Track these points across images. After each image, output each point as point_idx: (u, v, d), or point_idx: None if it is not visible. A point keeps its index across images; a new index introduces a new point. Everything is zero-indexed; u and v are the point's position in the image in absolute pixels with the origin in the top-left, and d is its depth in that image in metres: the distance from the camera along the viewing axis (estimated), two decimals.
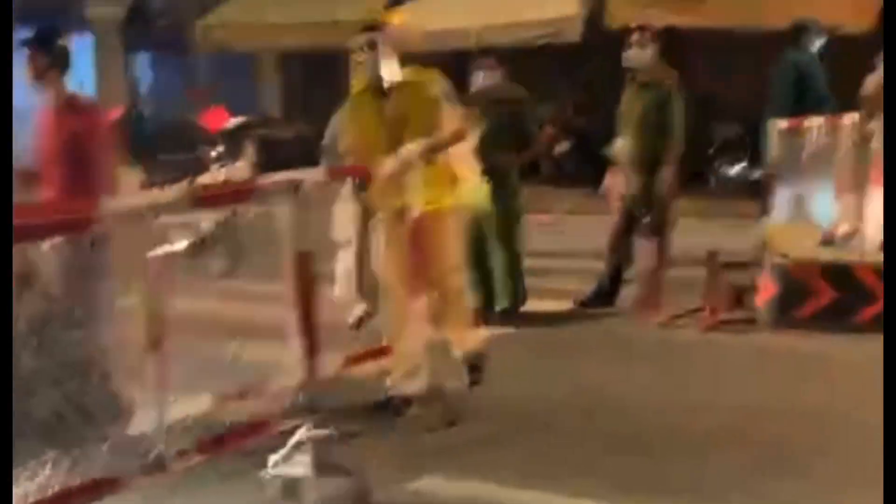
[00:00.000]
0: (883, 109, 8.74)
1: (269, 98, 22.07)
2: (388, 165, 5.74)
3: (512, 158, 8.54)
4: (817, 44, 9.88)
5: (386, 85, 6.02)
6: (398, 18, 6.29)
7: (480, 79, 8.58)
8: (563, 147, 16.95)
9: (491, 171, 8.43)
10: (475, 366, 6.37)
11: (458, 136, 6.08)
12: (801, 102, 9.46)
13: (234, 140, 18.71)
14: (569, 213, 14.26)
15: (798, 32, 9.91)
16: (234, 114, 20.98)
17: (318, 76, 18.23)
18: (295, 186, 4.77)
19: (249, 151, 18.50)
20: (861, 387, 6.57)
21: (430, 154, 5.94)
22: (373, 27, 6.09)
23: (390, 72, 6.00)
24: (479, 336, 6.48)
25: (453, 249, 6.22)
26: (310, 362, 4.83)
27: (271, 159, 12.32)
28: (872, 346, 7.19)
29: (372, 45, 5.97)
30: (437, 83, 6.07)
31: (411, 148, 5.86)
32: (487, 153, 8.45)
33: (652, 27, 8.84)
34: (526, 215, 8.87)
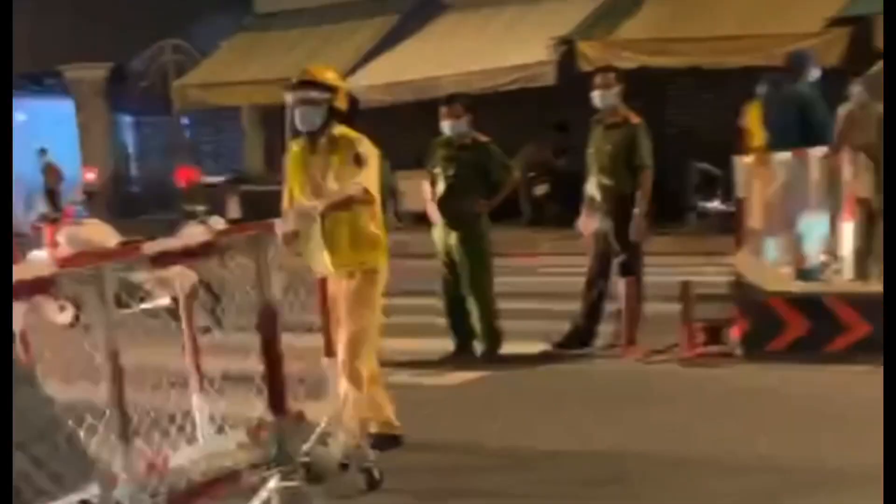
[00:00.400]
0: (852, 138, 8.88)
1: (253, 153, 22.27)
2: (284, 221, 5.50)
3: (480, 204, 8.64)
4: (815, 74, 9.95)
5: (321, 141, 6.00)
6: (329, 75, 6.22)
7: (447, 127, 8.67)
8: (542, 189, 17.10)
9: (459, 218, 8.59)
10: (382, 441, 6.17)
11: (354, 199, 5.91)
12: (805, 133, 9.50)
13: (217, 196, 18.88)
14: (549, 255, 14.37)
15: (796, 64, 9.95)
16: (220, 170, 21.14)
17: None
18: (255, 240, 4.82)
19: (233, 206, 18.68)
20: (831, 420, 6.61)
21: (329, 212, 5.82)
22: (305, 83, 6.01)
23: (317, 127, 5.97)
24: (384, 416, 6.25)
25: (356, 320, 5.99)
26: (276, 416, 4.86)
27: (254, 213, 12.43)
28: (844, 377, 7.31)
29: (303, 102, 5.95)
30: (362, 143, 6.00)
31: (310, 204, 5.79)
32: (455, 200, 8.61)
33: (615, 69, 8.96)
34: (495, 259, 8.91)
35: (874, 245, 8.72)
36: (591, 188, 8.75)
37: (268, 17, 20.48)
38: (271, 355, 4.91)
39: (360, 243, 6.03)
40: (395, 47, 18.04)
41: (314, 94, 5.93)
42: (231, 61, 19.84)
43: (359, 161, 5.91)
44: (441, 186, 8.68)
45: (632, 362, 8.25)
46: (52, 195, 21.84)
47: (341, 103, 6.04)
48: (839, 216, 9.27)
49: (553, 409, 7.30)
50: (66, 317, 10.70)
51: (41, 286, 4.08)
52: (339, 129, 6.04)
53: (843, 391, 7.13)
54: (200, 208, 16.70)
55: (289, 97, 6.02)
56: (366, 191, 5.91)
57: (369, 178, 5.96)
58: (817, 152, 9.41)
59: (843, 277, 8.70)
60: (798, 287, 8.30)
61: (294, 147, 6.19)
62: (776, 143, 9.55)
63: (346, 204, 5.90)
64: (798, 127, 9.50)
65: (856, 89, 10.86)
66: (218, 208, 16.27)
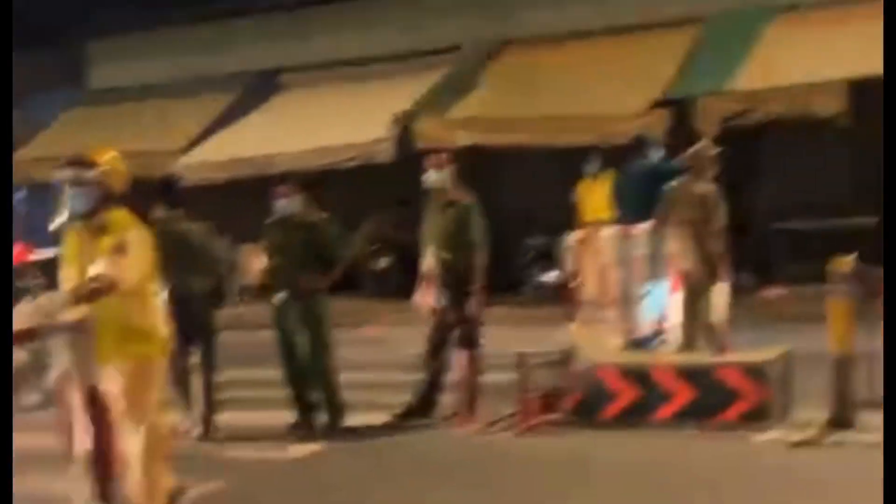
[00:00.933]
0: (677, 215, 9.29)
1: None
2: (19, 316, 5.17)
3: (316, 280, 8.74)
4: (658, 154, 10.53)
5: (93, 225, 5.72)
6: (104, 156, 5.86)
7: (281, 206, 8.80)
8: (385, 261, 17.28)
9: (297, 292, 8.68)
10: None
11: (100, 291, 5.52)
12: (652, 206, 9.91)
13: (53, 270, 18.40)
14: (393, 326, 14.51)
15: (641, 145, 10.57)
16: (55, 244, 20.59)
17: (136, 204, 18.22)
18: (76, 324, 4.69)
19: None
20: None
21: (76, 305, 5.51)
22: (77, 162, 5.74)
23: (85, 210, 5.72)
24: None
25: (135, 423, 5.64)
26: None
27: None
28: (669, 443, 7.62)
29: (72, 183, 5.68)
30: (130, 230, 5.73)
31: (53, 294, 5.58)
32: (292, 276, 8.70)
33: (447, 149, 9.27)
34: (338, 330, 9.03)
35: (698, 316, 9.15)
36: (429, 263, 8.98)
37: (104, 92, 20.26)
38: (99, 438, 4.82)
39: (127, 335, 5.67)
40: (234, 124, 18.08)
41: (84, 174, 5.68)
42: (63, 136, 19.52)
43: (121, 249, 5.60)
44: (278, 262, 8.76)
45: (470, 432, 8.42)
46: None
47: (116, 185, 5.80)
48: (666, 288, 9.71)
49: (391, 480, 7.40)
50: None
51: None
52: (114, 213, 5.76)
53: (668, 457, 7.43)
54: (34, 283, 16.28)
55: (59, 176, 5.76)
56: (114, 282, 5.54)
57: (130, 267, 5.63)
58: (644, 227, 9.87)
59: (670, 347, 9.09)
60: (626, 357, 8.63)
61: (71, 230, 5.86)
62: (633, 216, 10.03)
63: (92, 297, 5.51)
64: (645, 200, 9.99)
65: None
66: (53, 282, 15.88)
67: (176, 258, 8.52)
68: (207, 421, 8.74)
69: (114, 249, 5.58)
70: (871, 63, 14.17)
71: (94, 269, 5.53)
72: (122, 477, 5.64)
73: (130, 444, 5.62)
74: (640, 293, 9.77)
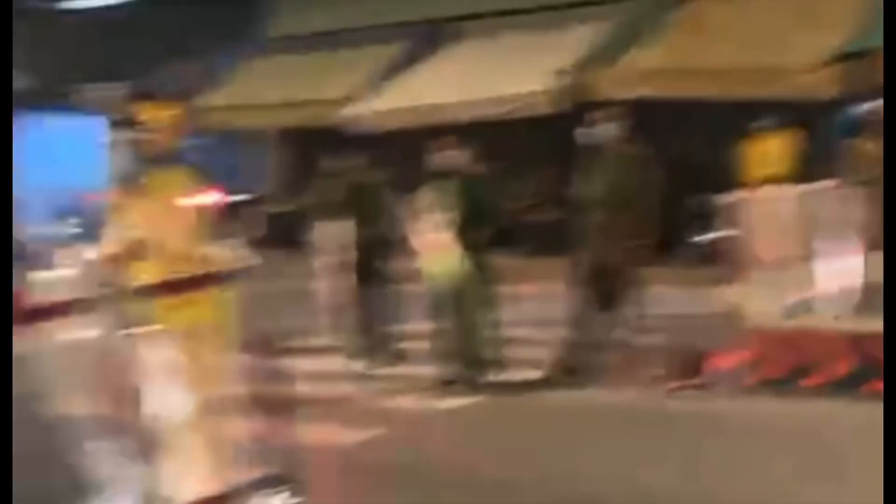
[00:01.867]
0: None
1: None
2: None
3: (480, 233, 8.74)
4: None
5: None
6: (151, 113, 5.50)
7: (443, 158, 8.82)
8: (549, 216, 17.14)
9: (464, 246, 8.72)
10: None
11: None
12: None
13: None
14: (551, 283, 14.45)
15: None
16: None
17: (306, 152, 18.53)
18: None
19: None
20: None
21: None
22: (125, 121, 5.56)
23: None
24: None
25: None
26: None
27: None
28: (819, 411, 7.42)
29: (122, 142, 5.54)
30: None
31: None
32: (458, 231, 8.70)
33: (618, 104, 9.10)
34: (499, 286, 9.06)
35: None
36: (589, 220, 8.82)
37: (280, 40, 20.43)
38: None
39: None
40: (402, 74, 18.17)
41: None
42: (240, 87, 19.84)
43: None
44: (448, 217, 8.73)
45: (627, 392, 8.34)
46: None
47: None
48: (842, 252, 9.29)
49: (546, 432, 7.45)
50: None
51: None
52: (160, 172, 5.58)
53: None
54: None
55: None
56: None
57: None
58: (823, 186, 9.45)
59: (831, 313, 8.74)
60: (790, 323, 8.36)
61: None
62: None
63: None
64: None
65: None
66: None
67: (358, 207, 8.77)
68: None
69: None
70: None
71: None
72: None
73: None
74: (810, 255, 9.41)
